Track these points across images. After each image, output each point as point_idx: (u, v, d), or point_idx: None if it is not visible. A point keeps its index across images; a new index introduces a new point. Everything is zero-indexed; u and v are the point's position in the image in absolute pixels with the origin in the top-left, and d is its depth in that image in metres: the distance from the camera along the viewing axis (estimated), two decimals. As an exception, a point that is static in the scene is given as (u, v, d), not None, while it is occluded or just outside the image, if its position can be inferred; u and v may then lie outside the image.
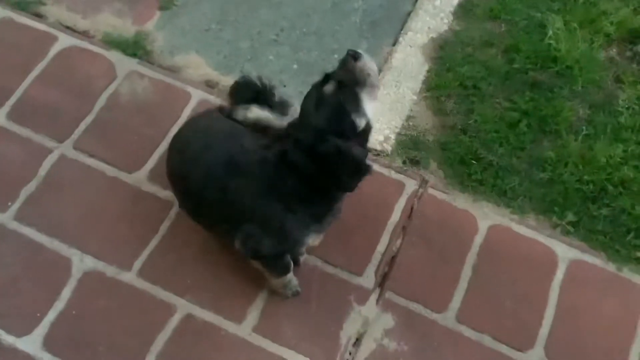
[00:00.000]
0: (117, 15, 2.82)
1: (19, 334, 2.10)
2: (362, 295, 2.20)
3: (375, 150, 2.47)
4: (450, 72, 2.66)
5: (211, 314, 2.14)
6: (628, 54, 2.73)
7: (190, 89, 2.60)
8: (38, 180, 2.37)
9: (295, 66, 2.73)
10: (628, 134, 2.52)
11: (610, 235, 2.33)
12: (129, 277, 2.20)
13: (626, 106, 2.58)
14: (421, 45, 2.75)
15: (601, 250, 2.31)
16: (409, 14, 2.87)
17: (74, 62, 2.64)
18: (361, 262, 2.26)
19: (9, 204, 2.32)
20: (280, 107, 2.12)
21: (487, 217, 2.35)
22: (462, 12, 2.84)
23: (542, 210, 2.38)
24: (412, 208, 2.36)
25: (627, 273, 2.27)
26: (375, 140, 2.47)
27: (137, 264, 2.22)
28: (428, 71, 2.69)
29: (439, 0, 2.88)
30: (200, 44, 2.76)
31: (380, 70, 2.59)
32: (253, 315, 2.15)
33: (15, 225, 2.28)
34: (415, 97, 2.62)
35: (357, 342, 2.13)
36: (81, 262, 2.22)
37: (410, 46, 2.75)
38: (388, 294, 2.20)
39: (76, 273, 2.20)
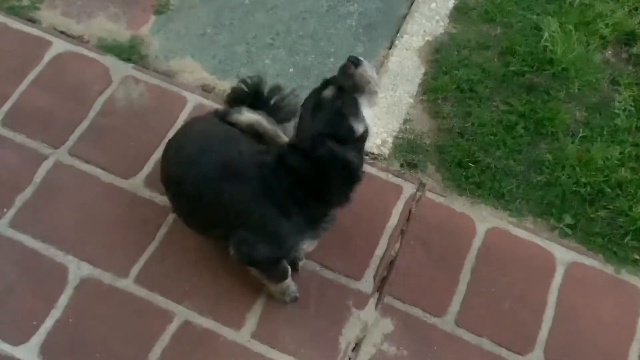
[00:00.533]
0: (112, 19, 2.80)
1: (15, 343, 2.08)
2: (361, 300, 2.19)
3: (373, 153, 2.46)
4: (447, 75, 2.65)
5: (209, 321, 2.13)
6: (624, 55, 2.74)
7: (186, 93, 2.58)
8: (33, 187, 2.35)
9: (291, 70, 2.72)
10: (625, 135, 2.52)
11: (608, 237, 2.33)
12: (126, 283, 2.18)
13: (622, 108, 2.58)
14: (417, 49, 2.75)
15: (599, 252, 2.31)
16: (404, 17, 2.87)
17: (68, 67, 2.62)
18: (360, 266, 2.25)
19: (4, 210, 2.30)
20: (277, 111, 2.11)
21: (485, 220, 2.35)
22: (458, 14, 2.84)
23: (539, 213, 2.38)
24: (410, 211, 2.36)
25: (625, 275, 2.27)
26: (373, 143, 2.47)
27: (134, 271, 2.20)
28: (424, 74, 2.68)
29: (434, 3, 2.87)
30: (196, 48, 2.75)
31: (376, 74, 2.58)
32: (251, 322, 2.14)
33: (10, 233, 2.26)
34: (411, 101, 2.62)
35: (357, 347, 2.12)
36: (78, 269, 2.20)
37: (406, 49, 2.74)
38: (387, 299, 2.19)
39: (73, 280, 2.18)
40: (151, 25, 2.80)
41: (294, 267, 2.11)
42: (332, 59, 2.75)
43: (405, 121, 2.56)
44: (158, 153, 2.40)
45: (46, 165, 2.39)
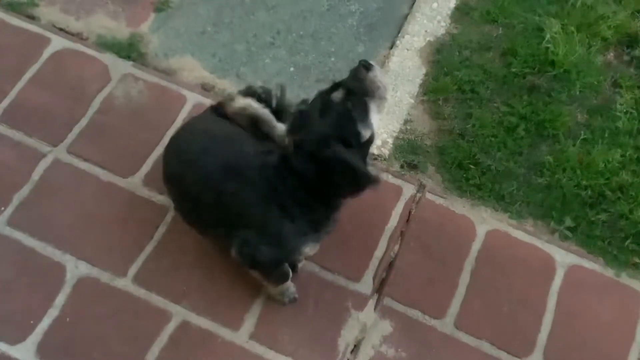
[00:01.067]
0: (111, 17, 2.79)
1: (12, 342, 2.06)
2: (360, 302, 2.18)
3: (373, 154, 2.45)
4: (448, 76, 2.64)
5: (207, 321, 2.12)
6: (625, 58, 2.73)
7: (185, 92, 2.57)
8: (31, 185, 2.33)
9: (291, 69, 2.71)
10: (626, 138, 2.52)
11: (609, 240, 2.32)
12: (124, 283, 2.17)
13: (624, 111, 2.57)
14: (418, 49, 2.74)
15: (599, 255, 2.30)
16: (405, 17, 2.85)
17: (67, 64, 2.60)
18: (359, 267, 2.24)
19: (2, 209, 2.29)
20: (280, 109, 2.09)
21: (485, 222, 2.34)
22: (459, 15, 2.83)
23: (540, 216, 2.37)
24: (409, 213, 2.35)
25: (625, 278, 2.26)
26: (373, 144, 2.45)
27: (132, 270, 2.19)
28: (425, 75, 2.67)
29: (436, 3, 2.86)
30: (196, 46, 2.74)
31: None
32: (250, 322, 2.13)
33: (7, 231, 2.25)
34: (412, 101, 2.60)
35: (355, 348, 2.11)
36: (75, 268, 2.19)
37: (407, 49, 2.73)
38: (386, 300, 2.18)
39: (70, 279, 2.17)
40: (151, 23, 2.79)
41: (293, 269, 2.09)
42: (332, 59, 2.74)
43: (406, 122, 2.55)
44: (157, 152, 2.39)
45: (44, 163, 2.38)
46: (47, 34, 2.68)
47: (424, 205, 2.36)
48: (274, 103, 2.11)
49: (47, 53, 2.63)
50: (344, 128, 1.71)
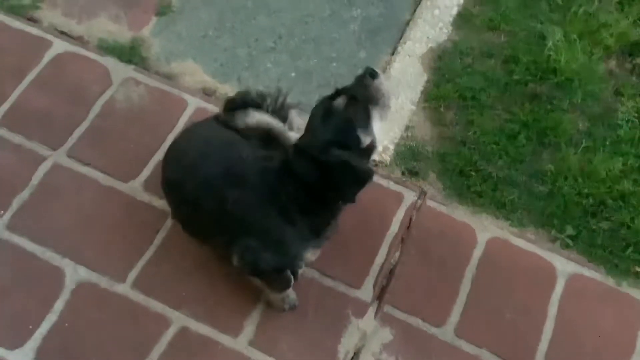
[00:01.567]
0: (113, 20, 2.78)
1: (10, 347, 2.06)
2: (360, 309, 2.17)
3: (374, 160, 2.44)
4: (450, 83, 2.64)
5: (207, 327, 2.11)
6: (627, 66, 2.72)
7: (186, 96, 2.56)
8: (31, 189, 2.33)
9: (293, 74, 2.71)
10: (627, 147, 2.51)
11: (610, 249, 2.32)
12: (123, 288, 2.16)
13: (625, 119, 2.57)
14: (420, 55, 2.73)
15: (600, 264, 2.30)
16: (407, 23, 2.85)
17: (68, 68, 2.60)
18: (359, 274, 2.23)
19: (1, 212, 2.28)
20: (280, 112, 2.08)
21: (486, 229, 2.33)
22: (462, 22, 2.82)
23: (541, 224, 2.36)
24: (410, 219, 2.34)
25: (625, 288, 2.26)
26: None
27: (132, 275, 2.18)
28: (427, 81, 2.67)
29: (438, 9, 2.86)
30: (197, 50, 2.73)
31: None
32: (249, 329, 2.12)
33: (7, 235, 2.24)
34: (414, 108, 2.60)
35: (355, 356, 2.10)
36: (75, 273, 2.18)
37: (409, 56, 2.73)
38: (386, 308, 2.17)
39: (69, 284, 2.16)
40: (152, 27, 2.78)
41: (294, 275, 2.08)
42: (334, 64, 2.74)
43: (407, 128, 2.55)
44: (158, 156, 2.39)
45: (44, 167, 2.37)
46: (49, 37, 2.68)
47: (425, 212, 2.36)
48: (269, 107, 2.10)
49: (48, 56, 2.63)
50: (345, 134, 1.71)
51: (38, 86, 2.55)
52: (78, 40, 2.70)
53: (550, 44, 2.68)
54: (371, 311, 2.17)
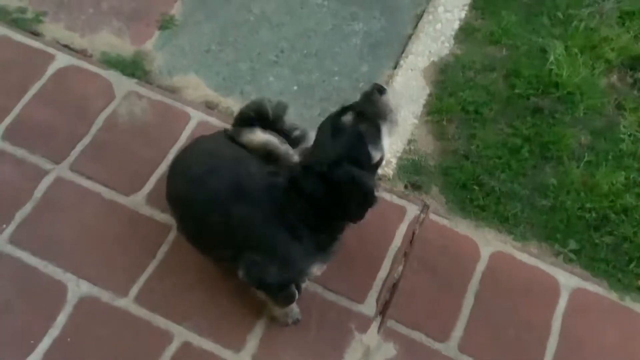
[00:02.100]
0: (116, 34, 2.79)
1: (12, 362, 2.05)
2: (363, 323, 2.16)
3: (377, 174, 2.43)
4: (452, 97, 2.64)
5: (210, 342, 2.10)
6: (629, 80, 2.73)
7: (189, 110, 2.56)
8: (34, 202, 2.32)
9: (295, 88, 2.71)
10: (630, 161, 2.51)
11: (613, 263, 2.31)
12: (126, 303, 2.15)
13: (628, 133, 2.57)
14: (422, 69, 2.74)
15: (603, 278, 2.29)
16: (409, 37, 2.86)
17: (71, 81, 2.61)
18: (362, 289, 2.22)
19: (4, 226, 2.27)
20: (288, 132, 2.08)
21: (489, 243, 2.33)
22: (463, 35, 2.84)
23: (544, 238, 2.36)
24: (413, 234, 2.34)
25: (629, 302, 2.25)
26: (378, 164, 2.45)
27: (134, 290, 2.17)
28: (429, 95, 2.67)
29: (440, 23, 2.87)
30: (200, 64, 2.74)
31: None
32: (252, 344, 2.11)
33: (9, 249, 2.23)
34: (416, 121, 2.60)
35: (358, 371, 2.10)
36: (77, 287, 2.17)
37: (411, 70, 2.74)
38: (389, 322, 2.16)
39: (71, 298, 2.15)
40: (155, 41, 2.79)
41: (298, 290, 2.08)
42: (336, 78, 2.74)
43: (410, 142, 2.55)
44: (160, 170, 2.39)
45: (47, 181, 2.37)
46: (52, 50, 2.69)
47: (428, 226, 2.35)
48: (277, 122, 2.11)
49: (51, 69, 2.63)
50: (356, 150, 1.71)
51: (41, 100, 2.55)
52: (81, 53, 2.71)
53: (551, 58, 2.69)
54: (374, 326, 2.16)
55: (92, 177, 2.38)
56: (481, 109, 2.61)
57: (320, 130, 1.76)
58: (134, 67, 2.68)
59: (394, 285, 2.24)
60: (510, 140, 2.53)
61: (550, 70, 2.67)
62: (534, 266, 2.29)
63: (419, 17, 2.92)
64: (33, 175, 2.38)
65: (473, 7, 2.91)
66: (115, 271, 2.21)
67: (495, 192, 2.43)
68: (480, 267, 2.28)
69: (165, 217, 2.28)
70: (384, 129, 1.73)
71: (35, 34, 2.75)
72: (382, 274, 2.25)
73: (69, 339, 2.09)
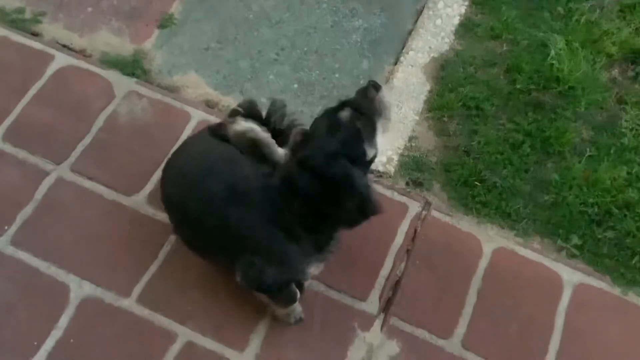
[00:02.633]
0: (115, 33, 2.78)
1: (15, 364, 2.05)
2: (366, 321, 2.16)
3: (378, 171, 2.44)
4: (452, 93, 2.63)
5: (213, 342, 2.10)
6: (630, 74, 2.72)
7: (189, 109, 2.56)
8: (34, 204, 2.32)
9: (295, 85, 2.71)
10: (632, 155, 2.50)
11: (616, 258, 2.31)
12: (128, 303, 2.15)
13: (629, 127, 2.56)
14: (423, 65, 2.73)
15: (606, 273, 2.29)
16: (409, 33, 2.85)
17: (71, 81, 2.60)
18: (365, 286, 2.22)
19: (5, 228, 2.27)
20: (285, 130, 2.07)
21: (491, 240, 2.33)
22: (464, 31, 2.82)
23: (546, 233, 2.36)
24: (415, 231, 2.33)
25: (632, 297, 2.25)
26: (378, 161, 2.43)
27: (137, 290, 2.17)
28: (430, 91, 2.66)
29: (440, 19, 2.86)
30: (200, 63, 2.73)
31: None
32: (255, 343, 2.11)
33: (11, 250, 2.23)
34: (417, 118, 2.60)
35: (362, 369, 2.09)
36: (79, 288, 2.17)
37: (412, 66, 2.73)
38: (392, 320, 2.16)
39: (74, 299, 2.15)
40: (155, 40, 2.78)
41: (300, 288, 2.07)
42: (337, 75, 2.73)
43: (411, 138, 2.54)
44: (161, 170, 2.37)
45: (48, 182, 2.36)
46: (51, 50, 2.68)
47: (430, 223, 2.35)
48: (273, 120, 2.08)
49: (50, 70, 2.62)
50: (352, 146, 1.70)
51: (41, 100, 2.55)
52: (80, 53, 2.70)
53: (552, 52, 2.68)
54: (377, 324, 2.16)
55: (93, 177, 2.38)
56: (482, 104, 2.60)
57: (316, 124, 1.74)
58: (133, 67, 2.67)
59: (397, 283, 2.23)
60: (511, 136, 2.52)
61: (551, 65, 2.66)
62: (537, 262, 2.29)
63: (419, 12, 2.90)
64: (34, 176, 2.37)
65: (473, 2, 2.90)
66: (118, 272, 2.20)
67: (497, 188, 2.42)
68: (483, 263, 2.28)
69: (166, 217, 2.25)
70: (379, 126, 1.73)
71: (34, 34, 2.74)
72: (385, 271, 2.25)
73: (72, 340, 2.09)
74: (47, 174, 2.38)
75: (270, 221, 1.78)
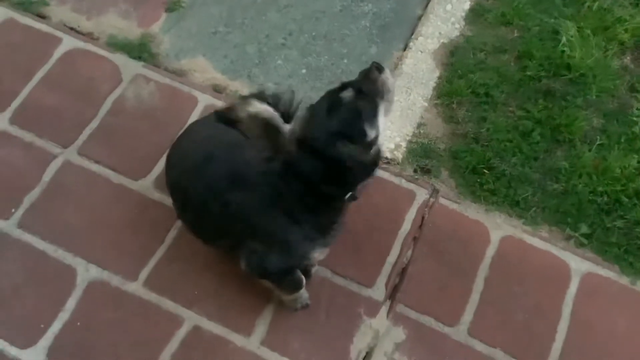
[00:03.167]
0: (123, 16, 2.77)
1: (22, 346, 2.06)
2: (373, 308, 2.16)
3: (386, 158, 2.42)
4: (462, 79, 2.61)
5: (219, 326, 2.10)
6: (642, 62, 2.69)
7: (196, 93, 2.55)
8: (42, 187, 2.32)
9: (303, 70, 2.69)
10: (642, 144, 2.48)
11: (625, 247, 2.29)
12: (135, 287, 2.16)
13: (641, 115, 2.54)
14: (432, 51, 2.70)
15: (615, 263, 2.27)
16: (419, 19, 2.82)
17: (78, 65, 2.59)
18: (371, 273, 2.22)
19: (12, 210, 2.28)
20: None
21: (499, 228, 2.31)
22: (474, 17, 2.79)
23: (555, 222, 2.34)
24: (423, 218, 2.32)
25: (640, 286, 2.24)
26: (386, 148, 2.43)
27: (143, 274, 2.18)
28: (439, 77, 2.64)
29: (450, 4, 2.83)
30: (207, 47, 2.71)
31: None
32: (261, 328, 2.11)
33: (18, 233, 2.24)
34: (426, 104, 2.57)
35: (368, 355, 2.09)
36: (86, 272, 2.18)
37: (421, 51, 2.70)
38: (399, 307, 2.16)
39: (81, 283, 2.16)
40: (162, 23, 2.77)
41: (307, 274, 2.07)
42: (345, 60, 2.71)
43: (419, 125, 2.52)
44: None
45: (55, 165, 2.36)
46: (58, 33, 2.67)
47: (437, 211, 2.34)
48: (281, 108, 2.06)
49: (58, 53, 2.61)
50: (350, 126, 1.67)
51: (48, 83, 2.54)
52: (87, 36, 2.69)
53: (564, 39, 2.65)
54: (383, 310, 2.16)
55: (100, 161, 2.38)
56: (492, 91, 2.57)
57: (318, 106, 1.72)
58: (140, 50, 2.66)
59: (403, 270, 2.23)
60: (521, 123, 2.50)
61: (563, 51, 2.63)
62: (545, 250, 2.28)
63: (429, -3, 2.88)
64: (41, 159, 2.37)
65: (484, -13, 2.87)
66: (124, 255, 2.21)
67: (505, 176, 2.41)
68: (490, 251, 2.27)
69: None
70: (381, 108, 1.70)
71: (42, 17, 2.74)
72: (391, 258, 2.24)
73: (78, 323, 2.10)
74: (54, 157, 2.38)
75: (271, 205, 1.77)
